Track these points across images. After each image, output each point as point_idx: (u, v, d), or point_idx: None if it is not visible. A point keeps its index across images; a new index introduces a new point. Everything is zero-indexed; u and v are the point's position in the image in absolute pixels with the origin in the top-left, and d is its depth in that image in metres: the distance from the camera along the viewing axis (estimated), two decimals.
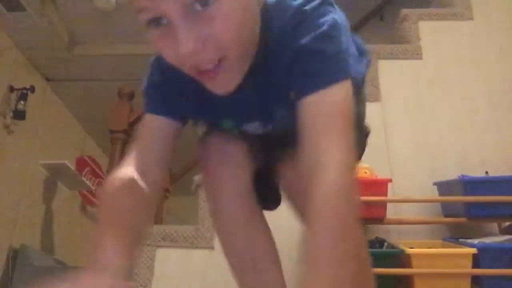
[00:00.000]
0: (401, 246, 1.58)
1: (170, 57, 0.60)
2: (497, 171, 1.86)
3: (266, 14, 0.67)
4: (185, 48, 0.56)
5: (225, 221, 0.79)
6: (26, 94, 3.35)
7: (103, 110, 2.81)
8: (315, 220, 0.54)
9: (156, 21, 0.57)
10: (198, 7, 0.56)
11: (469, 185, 1.64)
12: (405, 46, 2.23)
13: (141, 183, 0.69)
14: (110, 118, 2.11)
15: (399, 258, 1.56)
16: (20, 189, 3.47)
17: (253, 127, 0.78)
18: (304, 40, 0.63)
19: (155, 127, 0.75)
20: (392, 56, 2.20)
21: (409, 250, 1.53)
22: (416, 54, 2.20)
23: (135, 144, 0.75)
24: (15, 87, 3.34)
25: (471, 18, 2.30)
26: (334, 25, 0.64)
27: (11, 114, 3.28)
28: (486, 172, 1.86)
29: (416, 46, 2.22)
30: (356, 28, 3.22)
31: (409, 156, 1.99)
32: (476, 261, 1.50)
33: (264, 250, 0.79)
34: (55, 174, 3.78)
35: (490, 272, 1.49)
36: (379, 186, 1.69)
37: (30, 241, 3.42)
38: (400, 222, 1.78)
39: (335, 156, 0.57)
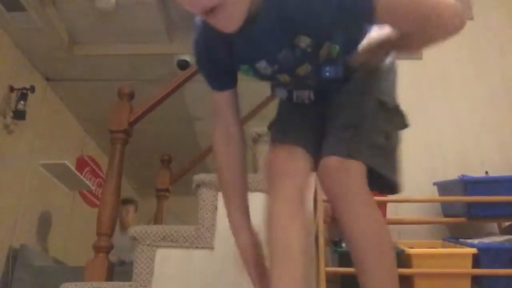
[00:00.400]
0: (401, 246, 1.58)
1: (187, 4, 0.74)
2: (497, 171, 1.86)
3: None
4: None
5: (275, 214, 0.91)
6: (26, 94, 3.35)
7: (103, 110, 2.81)
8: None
9: None
10: None
11: (469, 185, 1.64)
12: None
13: (233, 138, 1.00)
14: (110, 118, 2.11)
15: (399, 258, 1.56)
16: (20, 189, 3.47)
17: (262, 67, 0.90)
18: None
19: (218, 99, 0.99)
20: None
21: (409, 250, 1.53)
22: (416, 54, 2.20)
23: (215, 112, 1.00)
24: (15, 87, 3.34)
25: (471, 18, 2.30)
26: None
27: (11, 114, 3.28)
28: (486, 172, 1.86)
29: None
30: None
31: (409, 156, 1.99)
32: (476, 261, 1.50)
33: (299, 243, 0.88)
34: (55, 174, 3.78)
35: (490, 272, 1.49)
36: None
37: (30, 241, 3.42)
38: (400, 222, 1.78)
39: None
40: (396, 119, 0.93)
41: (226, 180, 1.00)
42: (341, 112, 0.90)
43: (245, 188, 1.01)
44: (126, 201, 3.43)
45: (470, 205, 1.63)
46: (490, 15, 2.31)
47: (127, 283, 1.70)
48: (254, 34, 0.82)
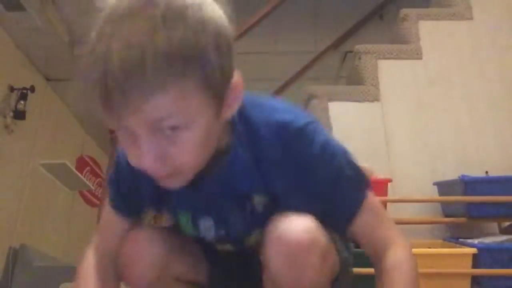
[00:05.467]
0: None
1: (132, 160, 0.64)
2: (497, 171, 1.85)
3: (238, 122, 0.71)
4: (146, 162, 0.59)
5: None
6: (26, 94, 3.35)
7: None
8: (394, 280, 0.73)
9: (123, 129, 0.61)
10: (167, 130, 0.58)
11: (469, 185, 1.64)
12: (405, 46, 2.23)
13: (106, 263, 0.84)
14: None
15: None
16: (20, 189, 3.47)
17: (207, 226, 0.80)
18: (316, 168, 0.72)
19: (116, 223, 0.86)
20: (392, 56, 2.20)
21: None
22: (416, 54, 2.20)
23: (101, 230, 0.90)
24: (15, 87, 3.34)
25: (471, 18, 2.30)
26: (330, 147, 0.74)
27: (11, 114, 3.28)
28: (486, 172, 1.86)
29: (416, 46, 2.22)
30: (356, 28, 3.22)
31: (409, 156, 1.99)
32: (476, 261, 1.50)
33: None
34: (55, 174, 3.78)
35: (490, 272, 1.50)
36: (379, 186, 1.69)
37: (30, 241, 3.42)
38: (400, 222, 1.78)
39: (396, 238, 0.78)
40: None
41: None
42: None
43: None
44: None
45: (470, 205, 1.63)
46: (490, 15, 2.31)
47: None
48: (205, 186, 0.73)
